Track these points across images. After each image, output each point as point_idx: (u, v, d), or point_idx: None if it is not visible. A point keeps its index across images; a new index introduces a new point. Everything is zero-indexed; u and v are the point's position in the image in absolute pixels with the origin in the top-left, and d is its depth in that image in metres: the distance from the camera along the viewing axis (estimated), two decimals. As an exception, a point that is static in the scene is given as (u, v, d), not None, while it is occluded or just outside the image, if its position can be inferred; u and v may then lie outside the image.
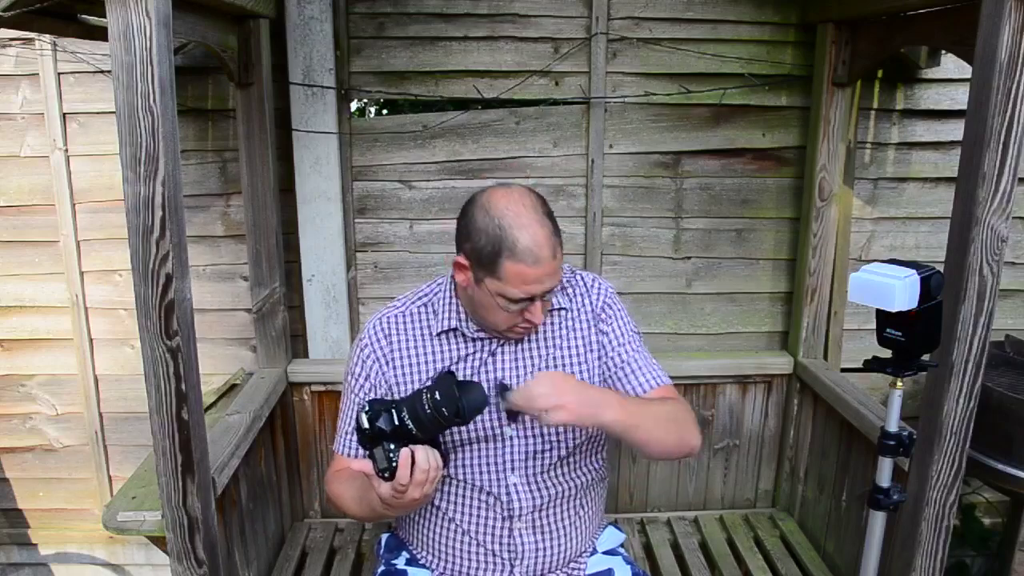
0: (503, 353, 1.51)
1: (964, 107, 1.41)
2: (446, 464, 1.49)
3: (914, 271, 1.36)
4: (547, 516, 1.52)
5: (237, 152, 2.08)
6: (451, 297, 1.51)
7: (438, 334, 1.51)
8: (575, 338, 1.54)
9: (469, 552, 1.53)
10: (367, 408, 1.26)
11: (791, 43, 2.27)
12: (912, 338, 1.40)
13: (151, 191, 1.25)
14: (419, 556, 1.61)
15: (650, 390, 1.52)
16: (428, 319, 1.53)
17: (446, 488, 1.52)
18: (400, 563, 1.61)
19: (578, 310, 1.56)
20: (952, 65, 2.26)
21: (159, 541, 1.51)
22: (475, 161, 2.31)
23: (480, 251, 1.34)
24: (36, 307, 2.38)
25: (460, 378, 1.45)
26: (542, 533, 1.52)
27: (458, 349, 1.50)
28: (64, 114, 2.23)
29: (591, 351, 1.55)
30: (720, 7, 2.23)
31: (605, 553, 1.66)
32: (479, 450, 1.49)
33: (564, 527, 1.54)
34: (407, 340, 1.51)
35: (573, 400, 1.28)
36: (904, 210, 2.42)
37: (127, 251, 1.28)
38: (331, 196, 2.24)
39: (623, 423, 1.35)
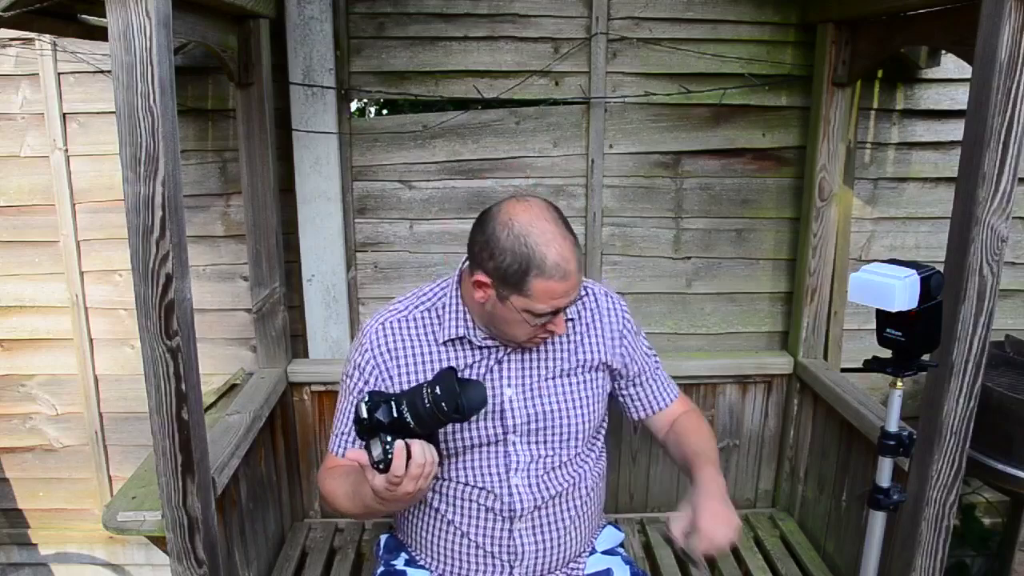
0: (509, 362, 1.51)
1: (964, 107, 1.41)
2: (442, 462, 1.49)
3: (914, 271, 1.36)
4: (548, 515, 1.52)
5: (237, 152, 2.08)
6: (457, 304, 1.50)
7: (444, 342, 1.49)
8: (584, 350, 1.56)
9: (468, 554, 1.53)
10: (367, 399, 1.26)
11: (791, 43, 2.27)
12: (912, 338, 1.40)
13: (151, 191, 1.25)
14: (418, 558, 1.61)
15: (672, 402, 1.70)
16: (432, 325, 1.51)
17: (445, 491, 1.52)
18: (399, 564, 1.61)
19: (588, 324, 1.57)
20: (952, 65, 2.26)
21: (159, 541, 1.51)
22: (475, 161, 2.31)
23: (506, 270, 1.33)
24: (36, 307, 2.38)
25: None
26: (542, 533, 1.52)
27: (464, 357, 1.50)
28: (64, 114, 2.23)
29: (603, 363, 1.58)
30: (720, 7, 2.23)
31: (604, 553, 1.66)
32: (482, 454, 1.50)
33: (564, 526, 1.54)
34: (410, 346, 1.49)
35: (733, 516, 1.39)
36: (904, 210, 2.42)
37: (127, 251, 1.28)
38: (331, 196, 2.24)
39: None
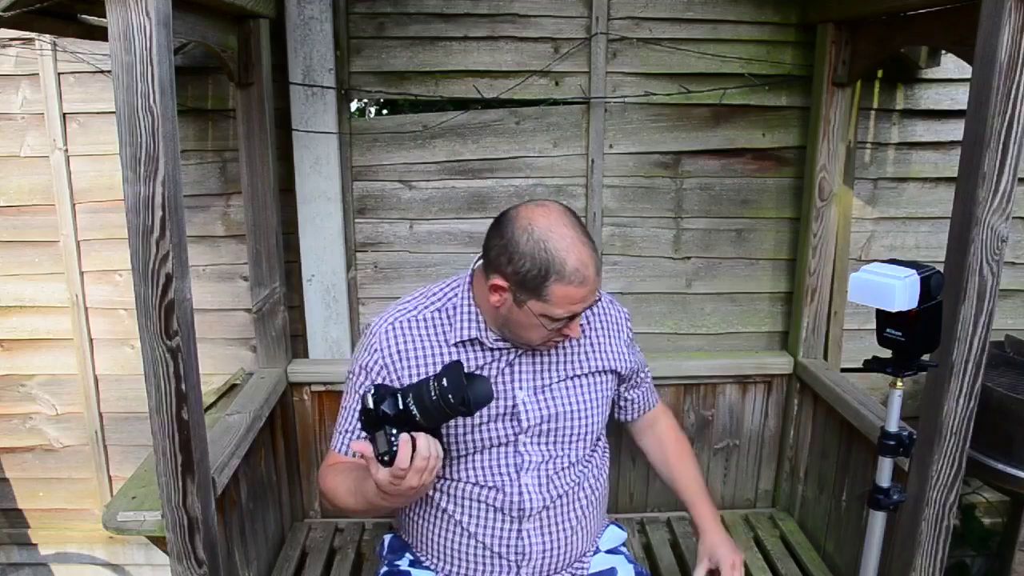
0: (521, 364, 1.51)
1: (964, 107, 1.41)
2: (452, 463, 1.49)
3: (914, 271, 1.36)
4: (555, 515, 1.53)
5: (237, 152, 2.08)
6: (469, 305, 1.49)
7: (455, 344, 1.49)
8: (595, 355, 1.58)
9: (475, 555, 1.52)
10: (373, 391, 1.25)
11: (791, 43, 2.27)
12: (912, 338, 1.40)
13: (151, 191, 1.25)
14: (423, 558, 1.60)
15: (655, 405, 1.85)
16: (443, 326, 1.50)
17: (453, 491, 1.52)
18: (403, 564, 1.60)
19: (597, 329, 1.60)
20: (952, 65, 2.26)
21: (159, 541, 1.51)
22: (475, 161, 2.31)
23: (524, 275, 1.33)
24: (36, 307, 2.38)
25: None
26: (550, 533, 1.52)
27: (475, 359, 1.49)
28: (64, 114, 2.23)
29: (612, 369, 1.60)
30: (720, 7, 2.23)
31: (608, 552, 1.67)
32: (493, 454, 1.50)
33: (571, 526, 1.55)
34: (420, 347, 1.48)
35: (736, 550, 1.69)
36: (904, 210, 2.42)
37: (127, 251, 1.28)
38: (331, 196, 2.24)
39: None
